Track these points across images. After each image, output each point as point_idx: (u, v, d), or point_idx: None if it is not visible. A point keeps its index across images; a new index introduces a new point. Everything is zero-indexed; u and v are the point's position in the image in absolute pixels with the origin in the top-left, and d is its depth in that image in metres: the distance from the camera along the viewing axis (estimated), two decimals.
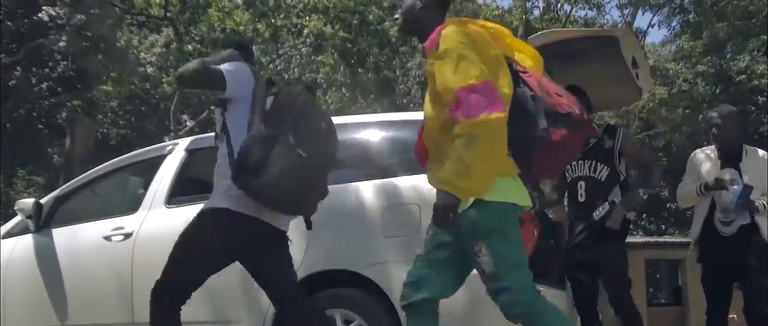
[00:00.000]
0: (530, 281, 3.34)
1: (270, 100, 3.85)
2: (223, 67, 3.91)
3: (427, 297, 3.41)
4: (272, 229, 3.90)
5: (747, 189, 5.48)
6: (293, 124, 3.74)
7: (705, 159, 5.86)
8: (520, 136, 3.15)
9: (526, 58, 3.50)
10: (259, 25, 17.73)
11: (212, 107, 19.09)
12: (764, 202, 5.52)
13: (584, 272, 5.46)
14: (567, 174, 5.58)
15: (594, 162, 5.43)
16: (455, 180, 3.04)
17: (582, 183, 5.45)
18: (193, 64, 3.92)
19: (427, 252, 3.45)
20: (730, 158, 5.69)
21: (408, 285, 3.42)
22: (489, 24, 3.45)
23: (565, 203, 5.93)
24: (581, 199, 5.47)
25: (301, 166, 3.65)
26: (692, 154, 6.06)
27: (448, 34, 3.22)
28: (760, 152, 5.76)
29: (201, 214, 3.98)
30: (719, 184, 5.56)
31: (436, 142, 3.32)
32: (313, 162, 3.71)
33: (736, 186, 5.50)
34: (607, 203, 5.34)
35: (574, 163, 5.49)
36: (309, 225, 3.95)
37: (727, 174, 5.58)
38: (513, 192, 3.26)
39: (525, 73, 3.36)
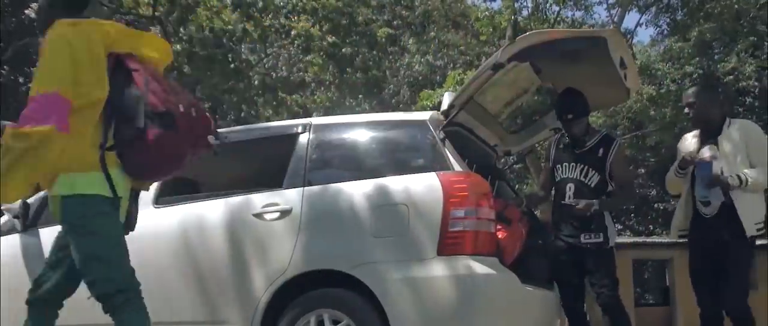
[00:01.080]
0: (115, 273, 3.51)
1: None
2: None
3: (41, 295, 3.70)
4: None
5: (704, 164, 5.37)
6: None
7: (690, 140, 5.73)
8: (119, 135, 3.33)
9: (153, 51, 3.60)
10: (247, 25, 17.69)
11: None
12: (739, 174, 5.28)
13: (571, 272, 5.47)
14: (556, 174, 5.58)
15: (586, 167, 5.44)
16: None
17: (571, 185, 5.45)
18: None
19: (50, 253, 3.69)
20: (711, 135, 5.52)
21: (32, 284, 3.65)
22: (108, 23, 3.53)
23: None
24: (569, 201, 5.48)
25: None
26: (681, 139, 5.95)
27: (50, 34, 3.33)
28: (742, 122, 5.59)
29: None
30: (684, 162, 5.52)
31: None
32: None
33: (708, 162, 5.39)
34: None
35: (566, 164, 5.50)
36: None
37: (707, 151, 5.47)
38: (94, 185, 3.36)
39: (136, 71, 3.42)
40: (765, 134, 5.55)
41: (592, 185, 5.40)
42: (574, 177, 5.45)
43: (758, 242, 5.50)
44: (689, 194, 5.59)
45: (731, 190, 5.27)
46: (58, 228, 5.51)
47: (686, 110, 5.67)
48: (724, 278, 5.36)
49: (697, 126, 5.66)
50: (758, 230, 5.30)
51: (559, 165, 5.55)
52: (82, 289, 5.22)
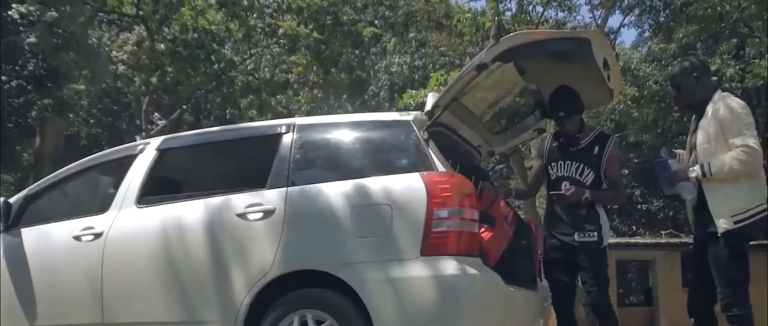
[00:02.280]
0: None
1: None
2: None
3: None
4: None
5: (659, 165, 5.25)
6: None
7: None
8: None
9: None
10: (231, 25, 17.67)
11: (183, 106, 18.81)
12: (702, 164, 5.00)
13: (563, 271, 5.48)
14: (551, 172, 5.58)
15: (581, 165, 5.46)
16: None
17: (566, 184, 5.45)
18: None
19: None
20: (700, 117, 5.18)
21: None
22: None
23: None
24: (562, 191, 5.48)
25: None
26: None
27: None
28: (720, 100, 5.08)
29: None
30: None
31: None
32: None
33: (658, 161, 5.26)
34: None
35: (560, 162, 5.51)
36: None
37: (664, 151, 5.47)
38: None
39: None
40: (739, 110, 5.01)
41: (588, 183, 5.42)
42: (570, 175, 5.47)
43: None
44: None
45: (695, 183, 5.05)
46: (40, 228, 5.51)
47: (672, 93, 5.50)
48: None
49: (689, 111, 5.50)
50: (737, 222, 4.90)
51: (554, 164, 5.56)
52: (61, 288, 5.22)
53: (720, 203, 4.96)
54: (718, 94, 5.12)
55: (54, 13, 15.80)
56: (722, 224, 4.93)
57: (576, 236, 5.37)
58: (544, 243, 5.71)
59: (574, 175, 5.46)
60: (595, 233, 5.36)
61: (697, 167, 4.99)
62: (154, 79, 16.63)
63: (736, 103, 5.04)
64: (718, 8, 17.19)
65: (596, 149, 5.45)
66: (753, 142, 4.90)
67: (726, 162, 4.89)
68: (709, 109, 5.07)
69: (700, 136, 5.08)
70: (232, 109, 19.74)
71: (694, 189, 5.08)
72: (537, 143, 6.06)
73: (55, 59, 16.55)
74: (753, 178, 4.99)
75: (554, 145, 5.63)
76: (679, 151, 5.52)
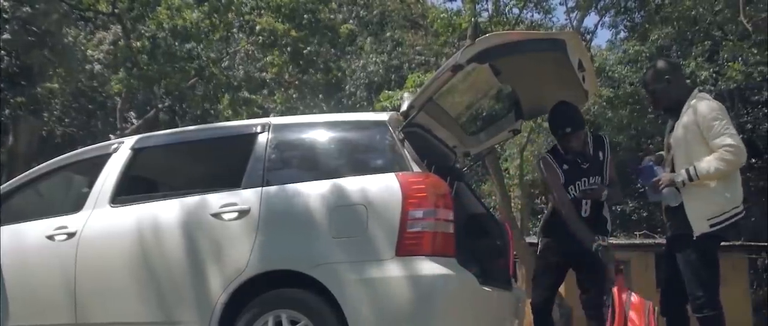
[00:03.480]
0: None
1: None
2: None
3: None
4: None
5: (644, 171, 5.21)
6: None
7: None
8: None
9: None
10: (209, 22, 17.59)
11: (159, 105, 18.73)
12: (687, 169, 4.91)
13: (553, 274, 5.52)
14: (571, 193, 5.55)
15: (593, 177, 5.56)
16: None
17: (586, 201, 5.50)
18: None
19: None
20: (678, 118, 5.12)
21: None
22: None
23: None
24: (585, 214, 5.51)
25: None
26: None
27: None
28: (697, 102, 5.04)
29: None
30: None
31: None
32: None
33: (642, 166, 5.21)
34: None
35: (578, 182, 5.52)
36: None
37: (648, 158, 5.37)
38: None
39: None
40: (717, 111, 4.98)
41: None
42: (584, 194, 5.52)
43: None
44: None
45: (681, 187, 4.98)
46: (12, 228, 5.46)
47: (650, 100, 5.51)
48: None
49: (666, 114, 5.42)
50: (712, 225, 4.89)
51: (572, 186, 5.55)
52: (34, 288, 5.18)
53: (697, 206, 4.94)
54: (694, 95, 5.11)
55: (28, 10, 15.66)
56: (698, 227, 4.92)
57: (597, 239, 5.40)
58: (539, 245, 5.77)
59: (587, 188, 5.53)
60: (606, 238, 5.45)
61: (682, 172, 4.93)
62: (133, 81, 16.53)
63: (713, 103, 5.04)
64: (693, 12, 17.32)
65: (600, 155, 5.49)
66: (736, 141, 4.89)
67: (712, 164, 4.86)
68: (686, 109, 5.04)
69: (677, 137, 5.06)
70: (210, 106, 19.67)
71: (678, 195, 5.02)
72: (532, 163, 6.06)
73: (29, 57, 16.40)
74: (730, 181, 4.99)
75: (564, 168, 5.58)
76: (660, 153, 5.51)
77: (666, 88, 5.19)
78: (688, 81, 20.82)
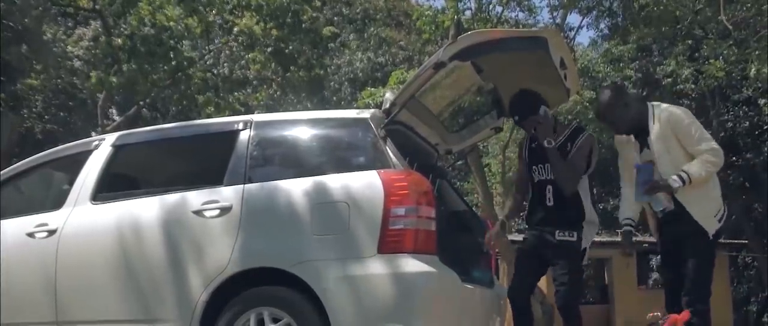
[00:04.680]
0: None
1: None
2: None
3: None
4: None
5: (642, 169, 5.13)
6: None
7: (627, 145, 5.39)
8: None
9: None
10: (190, 21, 17.49)
11: (141, 103, 18.59)
12: (679, 174, 4.94)
13: (532, 266, 5.49)
14: (534, 176, 5.53)
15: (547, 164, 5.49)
16: None
17: (550, 187, 5.44)
18: None
19: None
20: (642, 138, 5.19)
21: None
22: None
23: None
24: (550, 203, 5.46)
25: None
26: (616, 141, 5.55)
27: None
28: (663, 113, 5.10)
29: None
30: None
31: None
32: None
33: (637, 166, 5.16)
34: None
35: (541, 165, 5.47)
36: None
37: (648, 157, 5.22)
38: None
39: None
40: (689, 116, 5.12)
41: None
42: (550, 178, 5.44)
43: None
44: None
45: (676, 193, 5.01)
46: (4, 222, 5.42)
47: (613, 129, 5.46)
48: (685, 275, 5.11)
49: (628, 135, 5.37)
50: (719, 220, 5.07)
51: (535, 167, 5.49)
52: (14, 286, 5.15)
53: (703, 206, 5.05)
54: (655, 109, 5.16)
55: (5, 5, 15.54)
56: (710, 225, 5.04)
57: (557, 234, 5.37)
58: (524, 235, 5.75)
59: (550, 177, 5.44)
60: (575, 233, 5.36)
61: (675, 178, 4.95)
62: (113, 79, 16.43)
63: (682, 111, 5.17)
64: (677, 12, 17.38)
65: (569, 146, 5.43)
66: (716, 144, 5.07)
67: (702, 167, 4.97)
68: (654, 124, 5.10)
69: (658, 150, 5.08)
70: (190, 104, 19.58)
71: (667, 201, 5.09)
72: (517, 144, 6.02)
73: (7, 53, 16.29)
74: (716, 180, 5.17)
75: (532, 146, 5.57)
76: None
77: (626, 113, 5.22)
78: (669, 79, 21.11)
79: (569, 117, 22.59)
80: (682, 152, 5.04)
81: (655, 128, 5.08)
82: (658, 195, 5.09)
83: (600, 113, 5.45)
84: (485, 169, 21.73)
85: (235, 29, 17.89)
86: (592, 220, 5.47)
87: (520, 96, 5.43)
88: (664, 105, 5.24)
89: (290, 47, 17.93)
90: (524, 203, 5.72)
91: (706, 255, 5.12)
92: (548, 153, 5.32)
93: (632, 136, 5.30)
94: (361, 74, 25.45)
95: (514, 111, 5.48)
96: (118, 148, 5.40)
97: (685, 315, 4.91)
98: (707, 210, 5.07)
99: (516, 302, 5.51)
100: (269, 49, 18.18)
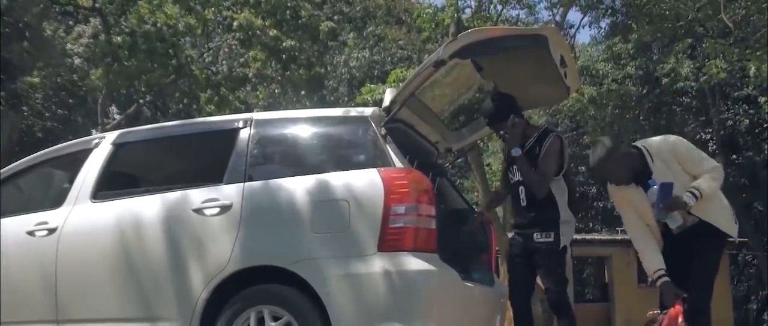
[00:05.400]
0: None
1: None
2: None
3: None
4: None
5: (664, 187, 5.07)
6: None
7: (627, 196, 5.38)
8: None
9: None
10: (189, 19, 17.51)
11: (140, 100, 18.62)
12: (690, 190, 5.03)
13: (523, 270, 5.50)
14: (510, 177, 5.58)
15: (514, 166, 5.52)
16: None
17: (522, 188, 5.47)
18: None
19: None
20: (644, 180, 5.19)
21: None
22: None
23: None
24: (523, 204, 5.49)
25: None
26: (616, 202, 5.59)
27: None
28: (659, 146, 5.23)
29: None
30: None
31: None
32: None
33: (654, 187, 5.10)
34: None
35: (514, 167, 5.51)
36: None
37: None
38: None
39: None
40: (682, 142, 5.34)
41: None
42: (522, 179, 5.47)
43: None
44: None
45: (690, 209, 5.06)
46: (4, 220, 5.42)
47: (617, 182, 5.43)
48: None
49: (625, 184, 5.35)
50: (735, 222, 5.33)
51: (511, 169, 5.57)
52: (14, 284, 5.15)
53: (720, 215, 5.22)
54: (648, 150, 5.23)
55: (6, 2, 15.54)
56: (732, 229, 5.26)
57: (535, 237, 5.39)
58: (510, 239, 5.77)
59: (522, 178, 5.48)
60: (552, 234, 5.37)
61: (688, 194, 5.03)
62: (111, 76, 16.44)
63: (675, 140, 5.35)
64: (677, 11, 17.37)
65: (537, 149, 5.45)
66: (715, 162, 5.38)
67: (709, 184, 5.11)
68: (654, 162, 5.18)
69: (660, 172, 5.15)
70: (191, 102, 19.59)
71: (682, 218, 5.12)
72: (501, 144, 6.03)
73: (8, 51, 16.29)
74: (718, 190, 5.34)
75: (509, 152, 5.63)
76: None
77: (623, 163, 5.23)
78: (669, 77, 21.08)
79: (570, 114, 22.62)
80: (687, 176, 5.17)
81: (656, 165, 5.18)
82: (674, 214, 5.11)
83: (601, 171, 5.38)
84: (485, 167, 21.72)
85: (235, 24, 17.88)
86: (568, 220, 5.46)
87: (493, 100, 5.46)
88: (652, 140, 5.38)
89: (286, 43, 17.91)
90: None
91: (718, 256, 5.33)
92: (516, 161, 5.40)
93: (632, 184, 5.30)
94: (358, 74, 25.44)
95: (484, 114, 5.53)
96: (118, 147, 5.40)
97: (679, 308, 4.92)
98: (726, 216, 5.24)
99: (516, 306, 5.55)
100: (266, 46, 18.18)
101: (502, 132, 5.48)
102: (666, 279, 5.14)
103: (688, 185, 5.09)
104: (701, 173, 5.15)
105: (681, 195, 5.03)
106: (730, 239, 5.38)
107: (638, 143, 5.36)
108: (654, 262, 5.23)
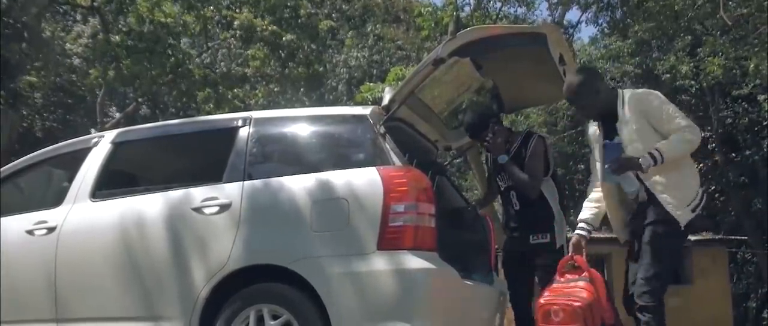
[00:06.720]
0: None
1: None
2: None
3: None
4: None
5: (611, 146, 4.78)
6: None
7: (594, 137, 5.13)
8: None
9: None
10: (188, 18, 17.50)
11: (139, 100, 18.63)
12: (650, 152, 4.59)
13: (520, 271, 5.52)
14: (500, 184, 5.63)
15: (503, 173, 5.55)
16: None
17: (513, 193, 5.51)
18: None
19: None
20: (609, 122, 4.88)
21: None
22: None
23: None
24: (516, 207, 5.53)
25: None
26: (590, 137, 5.25)
27: None
28: (631, 97, 4.81)
29: None
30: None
31: None
32: None
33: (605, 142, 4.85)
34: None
35: (502, 173, 5.56)
36: None
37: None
38: None
39: None
40: (659, 97, 4.82)
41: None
42: (512, 184, 5.52)
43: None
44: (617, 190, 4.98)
45: (645, 174, 4.66)
46: (4, 219, 5.41)
47: (582, 112, 5.30)
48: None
49: (595, 121, 5.11)
50: (693, 210, 4.66)
51: (499, 176, 5.64)
52: (13, 283, 5.14)
53: (674, 194, 4.65)
54: (625, 94, 4.87)
55: (5, 1, 15.53)
56: (683, 216, 4.64)
57: (531, 238, 5.42)
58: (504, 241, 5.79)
59: (511, 183, 5.52)
60: (548, 235, 5.40)
61: (646, 155, 4.57)
62: (110, 72, 16.43)
63: (652, 93, 4.89)
64: (676, 7, 17.36)
65: (523, 151, 5.49)
66: (690, 121, 4.76)
67: (677, 145, 4.63)
68: (623, 109, 4.80)
69: (630, 134, 4.74)
70: (189, 101, 19.58)
71: (635, 182, 4.75)
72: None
73: (7, 50, 16.27)
74: (691, 164, 4.87)
75: (495, 158, 5.66)
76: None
77: (597, 99, 4.93)
78: (668, 75, 21.06)
79: (569, 112, 22.60)
80: (656, 136, 4.69)
81: (624, 112, 4.77)
82: (628, 174, 4.73)
83: (573, 99, 5.12)
84: (484, 166, 21.67)
85: (236, 23, 17.88)
86: (561, 219, 5.54)
87: (474, 115, 5.54)
88: (634, 90, 4.99)
89: (285, 39, 17.90)
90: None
91: (667, 246, 4.75)
92: (505, 167, 5.46)
93: (597, 125, 5.05)
94: (356, 74, 25.44)
95: (465, 128, 5.73)
96: (117, 145, 5.40)
97: (599, 277, 4.79)
98: (680, 197, 4.65)
99: (518, 309, 5.58)
100: (266, 42, 18.18)
101: (486, 141, 5.53)
102: (578, 232, 5.10)
103: (655, 143, 4.64)
104: (672, 132, 4.66)
105: (635, 156, 4.63)
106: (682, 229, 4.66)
107: (622, 89, 4.98)
108: (583, 214, 5.15)
